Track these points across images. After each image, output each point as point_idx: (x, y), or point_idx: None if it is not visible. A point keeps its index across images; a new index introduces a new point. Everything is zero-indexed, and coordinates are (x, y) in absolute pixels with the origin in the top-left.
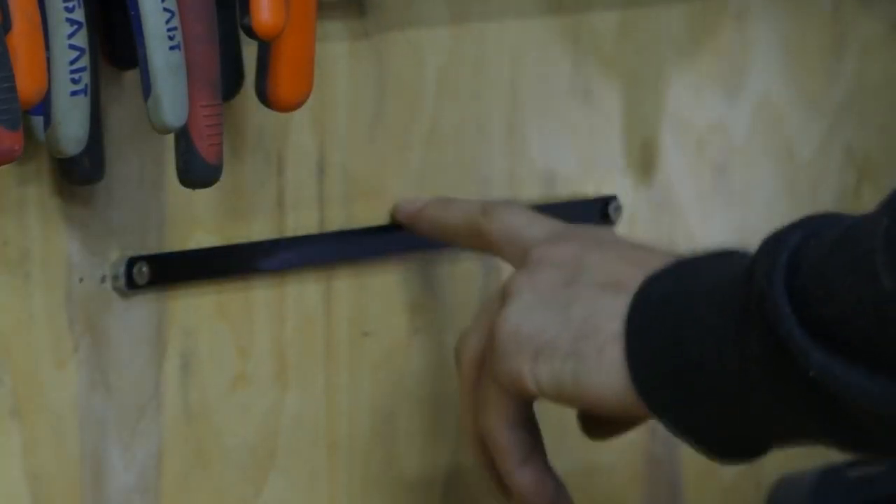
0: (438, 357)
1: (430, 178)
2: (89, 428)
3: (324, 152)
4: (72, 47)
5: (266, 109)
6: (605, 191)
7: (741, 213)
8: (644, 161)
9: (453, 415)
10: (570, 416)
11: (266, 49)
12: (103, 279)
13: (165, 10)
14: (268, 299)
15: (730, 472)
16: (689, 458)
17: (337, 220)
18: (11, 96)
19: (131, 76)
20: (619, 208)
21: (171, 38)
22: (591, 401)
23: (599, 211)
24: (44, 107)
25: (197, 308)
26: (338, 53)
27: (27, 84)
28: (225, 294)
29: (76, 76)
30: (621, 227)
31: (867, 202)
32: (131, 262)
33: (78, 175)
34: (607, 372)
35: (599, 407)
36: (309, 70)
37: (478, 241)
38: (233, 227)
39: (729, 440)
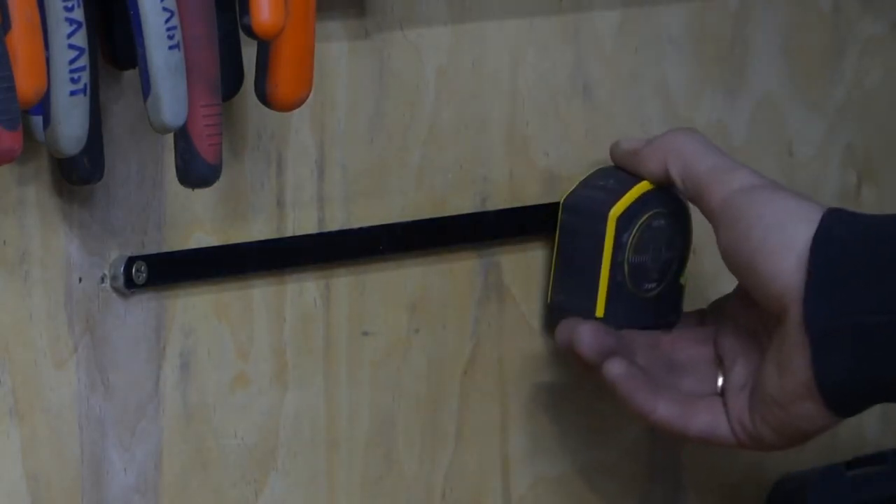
0: (438, 357)
1: (430, 177)
2: (89, 428)
3: (324, 152)
4: (71, 47)
5: (266, 109)
6: None
7: None
8: None
9: (452, 414)
10: (571, 415)
11: (266, 49)
12: (102, 279)
13: (165, 9)
14: (267, 299)
15: (730, 473)
16: (690, 459)
17: (337, 220)
18: (11, 96)
19: (131, 76)
20: None
21: (170, 38)
22: None
23: None
24: (43, 106)
25: (196, 308)
26: (338, 53)
27: (26, 84)
28: (224, 294)
29: (75, 76)
30: None
31: (867, 202)
32: (130, 262)
33: (77, 175)
34: None
35: None
36: (309, 70)
37: None
38: (233, 227)
39: None
